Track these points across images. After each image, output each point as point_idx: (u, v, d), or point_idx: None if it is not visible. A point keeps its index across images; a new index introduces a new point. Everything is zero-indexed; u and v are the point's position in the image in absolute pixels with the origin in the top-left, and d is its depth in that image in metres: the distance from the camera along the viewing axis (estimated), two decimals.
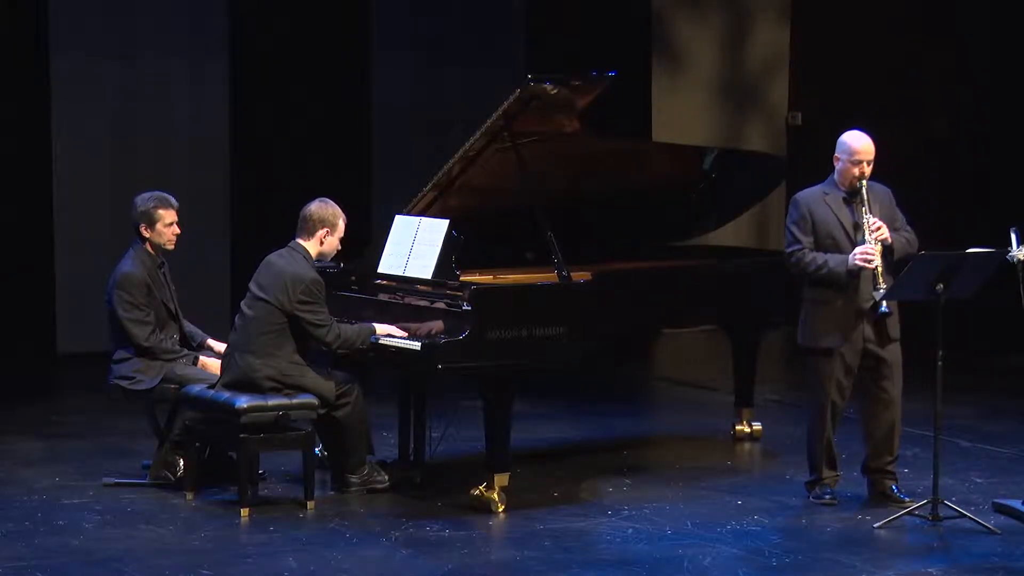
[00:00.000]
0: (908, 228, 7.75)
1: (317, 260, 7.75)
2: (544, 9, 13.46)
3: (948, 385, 7.56)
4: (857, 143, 7.60)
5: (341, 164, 12.77)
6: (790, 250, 7.69)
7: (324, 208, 7.76)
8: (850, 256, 7.52)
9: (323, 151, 12.69)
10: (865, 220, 7.53)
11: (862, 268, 7.50)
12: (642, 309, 8.40)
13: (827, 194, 7.67)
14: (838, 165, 7.65)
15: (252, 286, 7.76)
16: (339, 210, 7.78)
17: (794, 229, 7.68)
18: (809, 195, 7.72)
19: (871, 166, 7.60)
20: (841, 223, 7.62)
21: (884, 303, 7.49)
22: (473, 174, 8.22)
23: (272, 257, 7.78)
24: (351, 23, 12.91)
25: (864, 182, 7.56)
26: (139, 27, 12.21)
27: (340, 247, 7.83)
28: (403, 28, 13.08)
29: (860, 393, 7.80)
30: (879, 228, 7.52)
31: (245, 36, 12.51)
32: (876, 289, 7.47)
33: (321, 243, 7.74)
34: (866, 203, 7.55)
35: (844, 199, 7.64)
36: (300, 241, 7.75)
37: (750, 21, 14.41)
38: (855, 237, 7.58)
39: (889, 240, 7.54)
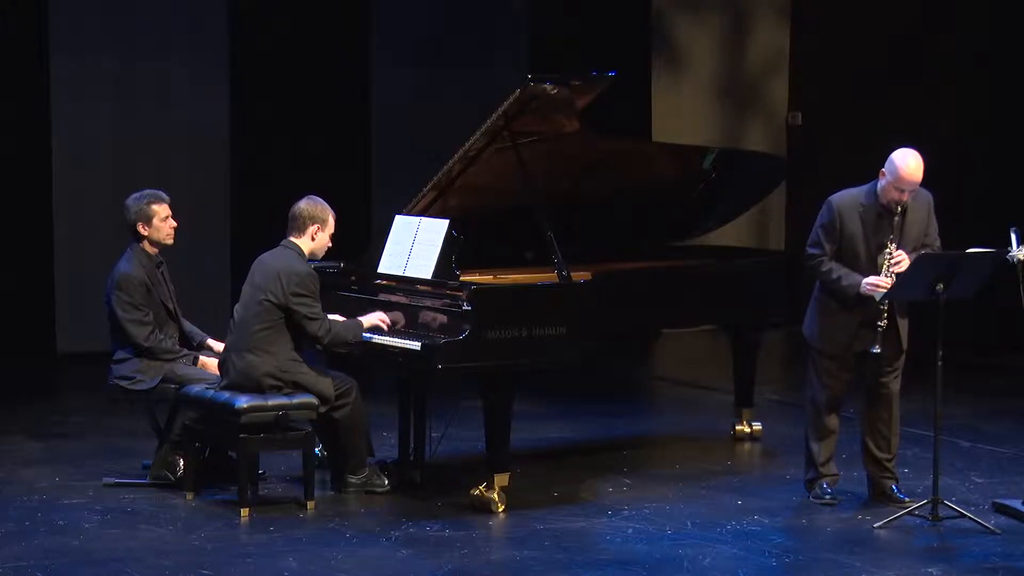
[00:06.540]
0: (937, 243, 7.63)
1: (309, 258, 7.75)
2: (544, 9, 13.46)
3: (948, 385, 7.57)
4: (905, 171, 7.35)
5: (341, 164, 12.77)
6: (811, 252, 7.62)
7: (314, 205, 7.76)
8: (863, 282, 7.45)
9: (323, 151, 12.69)
10: (889, 247, 7.44)
11: (870, 296, 7.46)
12: (642, 309, 8.40)
13: (864, 205, 7.50)
14: (882, 181, 7.44)
15: (246, 287, 7.77)
16: (328, 206, 7.79)
17: (821, 232, 7.59)
18: (845, 201, 7.56)
19: (914, 193, 7.44)
20: (867, 240, 7.50)
21: (876, 346, 7.48)
22: (473, 174, 8.22)
23: (264, 256, 7.78)
24: (351, 23, 12.91)
25: (900, 207, 7.43)
26: (139, 27, 12.22)
27: (331, 244, 7.83)
28: (403, 28, 13.09)
29: (860, 391, 7.81)
30: (899, 262, 7.41)
31: (245, 36, 12.52)
32: (880, 314, 7.46)
33: (313, 239, 7.73)
34: (895, 230, 7.44)
35: (879, 213, 7.48)
36: (292, 239, 7.75)
37: (750, 21, 14.41)
38: (877, 257, 7.48)
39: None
